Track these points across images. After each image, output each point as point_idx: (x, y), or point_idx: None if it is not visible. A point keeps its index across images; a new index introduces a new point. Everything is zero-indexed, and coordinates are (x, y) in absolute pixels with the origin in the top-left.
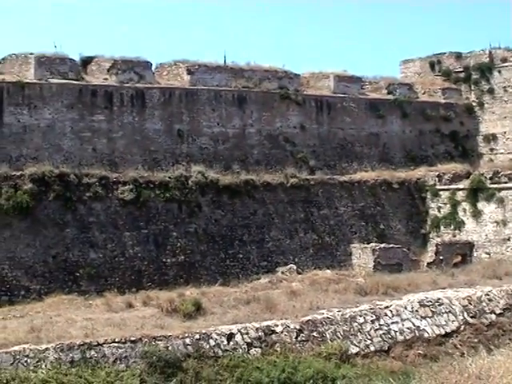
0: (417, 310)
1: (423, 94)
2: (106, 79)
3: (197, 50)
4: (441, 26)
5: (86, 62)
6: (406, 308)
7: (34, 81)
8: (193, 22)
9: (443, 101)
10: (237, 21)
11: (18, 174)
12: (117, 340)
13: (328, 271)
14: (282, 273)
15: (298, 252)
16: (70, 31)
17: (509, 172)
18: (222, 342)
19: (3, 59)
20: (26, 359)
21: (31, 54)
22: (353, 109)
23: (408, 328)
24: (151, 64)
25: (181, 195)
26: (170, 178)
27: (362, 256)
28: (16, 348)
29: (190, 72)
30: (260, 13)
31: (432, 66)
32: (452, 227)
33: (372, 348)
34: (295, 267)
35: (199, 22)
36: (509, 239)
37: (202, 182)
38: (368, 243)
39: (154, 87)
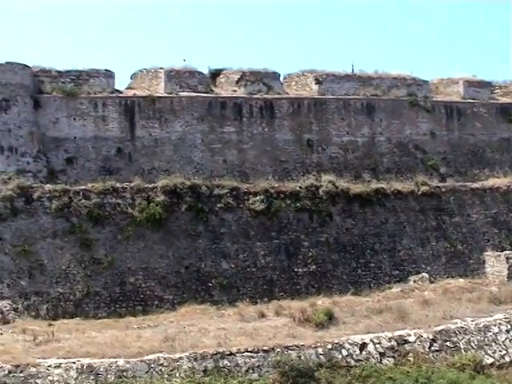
0: None
1: None
2: (234, 91)
3: (324, 60)
4: None
5: (215, 74)
6: None
7: (165, 94)
8: (320, 32)
9: None
10: (364, 29)
11: (151, 186)
12: (249, 349)
13: (461, 280)
14: (414, 282)
15: (430, 260)
16: (199, 45)
17: None
18: (355, 351)
19: (134, 74)
20: (160, 368)
21: (161, 68)
22: (483, 114)
23: None
24: (279, 75)
25: (311, 205)
26: (300, 187)
27: (496, 264)
28: (151, 357)
29: (318, 81)
30: (386, 21)
31: None
32: None
33: (507, 359)
34: (427, 276)
35: (326, 32)
36: None
37: (333, 191)
38: (501, 251)
39: (282, 98)
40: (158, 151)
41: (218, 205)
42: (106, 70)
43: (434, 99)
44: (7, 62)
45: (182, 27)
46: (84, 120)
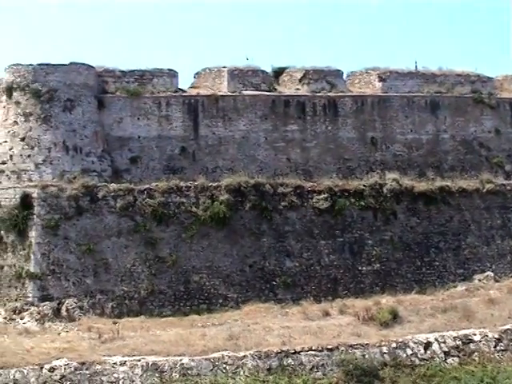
0: None
1: None
2: (297, 89)
3: (388, 57)
4: None
5: (278, 73)
6: None
7: (228, 93)
8: (383, 29)
9: None
10: (427, 26)
11: (215, 185)
12: (313, 348)
13: None
14: (479, 280)
15: (496, 259)
16: (262, 43)
17: None
18: (419, 350)
19: (197, 73)
20: (224, 366)
21: (224, 67)
22: None
23: None
24: (342, 72)
25: (375, 203)
26: (364, 185)
27: None
28: (215, 355)
29: (381, 79)
30: (450, 17)
31: None
32: None
33: None
34: (492, 275)
35: (390, 29)
36: None
37: (397, 189)
38: None
39: (346, 95)
40: (222, 150)
41: (282, 203)
42: (169, 70)
43: (499, 96)
44: (71, 63)
45: (245, 26)
46: (148, 119)
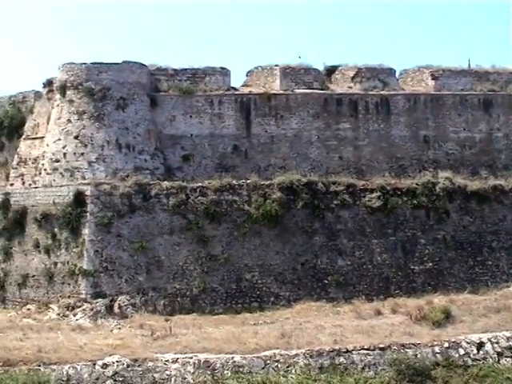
0: None
1: None
2: (350, 87)
3: (440, 55)
4: None
5: (330, 71)
6: None
7: (280, 92)
8: (436, 27)
9: None
10: (480, 24)
11: (267, 183)
12: (365, 347)
13: None
14: None
15: None
16: (314, 41)
17: None
18: (472, 350)
19: (250, 72)
20: (276, 364)
21: (276, 65)
22: None
23: None
24: (395, 71)
25: (428, 202)
26: (417, 184)
27: None
28: (267, 353)
29: (434, 77)
30: (501, 14)
31: None
32: None
33: None
34: None
35: (442, 27)
36: None
37: (450, 188)
38: None
39: (398, 94)
40: (274, 148)
41: (334, 202)
42: (221, 68)
43: None
44: (124, 61)
45: (297, 24)
46: (200, 117)
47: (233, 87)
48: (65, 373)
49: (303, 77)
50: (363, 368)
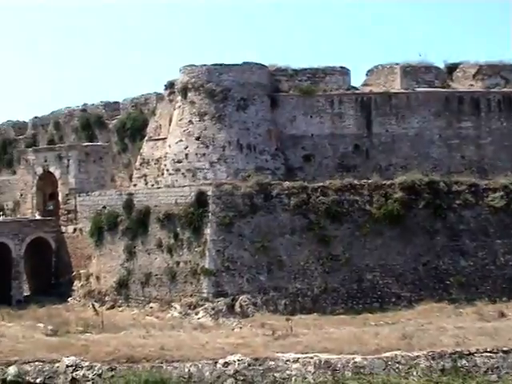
0: None
1: None
2: (471, 85)
3: None
4: None
5: (451, 68)
6: None
7: (401, 90)
8: None
9: None
10: None
11: (388, 182)
12: (489, 350)
13: None
14: None
15: None
16: (434, 39)
17: None
18: None
19: (370, 71)
20: (397, 365)
21: (397, 64)
22: None
23: None
24: None
25: None
26: None
27: None
28: (388, 354)
29: None
30: None
31: None
32: None
33: None
34: None
35: None
36: None
37: None
38: None
39: None
40: (395, 147)
41: (456, 201)
42: (341, 67)
43: None
44: (245, 63)
45: (416, 23)
46: (321, 117)
47: (353, 86)
48: (186, 370)
49: (424, 75)
50: (486, 371)
